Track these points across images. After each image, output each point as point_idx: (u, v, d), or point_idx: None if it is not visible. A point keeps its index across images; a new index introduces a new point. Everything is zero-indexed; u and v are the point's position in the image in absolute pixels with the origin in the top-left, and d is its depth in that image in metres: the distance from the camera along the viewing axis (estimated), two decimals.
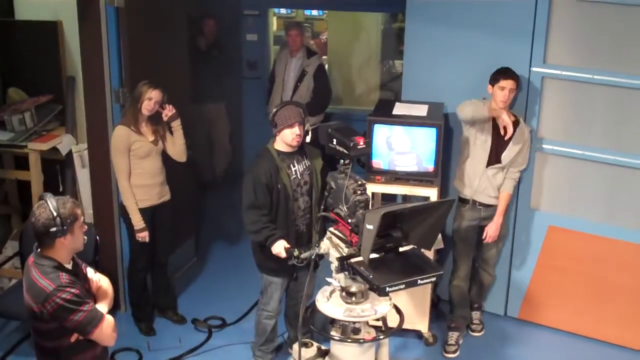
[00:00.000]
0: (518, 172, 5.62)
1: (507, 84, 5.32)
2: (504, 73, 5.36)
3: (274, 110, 4.92)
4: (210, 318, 6.19)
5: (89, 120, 5.92)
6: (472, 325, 6.06)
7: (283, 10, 10.18)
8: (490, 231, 5.64)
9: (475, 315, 6.10)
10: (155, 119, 5.56)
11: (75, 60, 6.19)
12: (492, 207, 5.61)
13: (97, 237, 5.53)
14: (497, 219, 5.63)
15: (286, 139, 4.91)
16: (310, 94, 7.68)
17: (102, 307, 3.80)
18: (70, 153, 6.24)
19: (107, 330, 3.70)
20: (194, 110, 7.91)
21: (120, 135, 5.45)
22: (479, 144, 5.49)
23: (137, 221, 5.58)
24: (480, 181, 5.53)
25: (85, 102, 5.91)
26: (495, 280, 6.09)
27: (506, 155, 5.47)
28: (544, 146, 5.74)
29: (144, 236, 5.61)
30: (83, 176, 6.27)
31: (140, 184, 5.56)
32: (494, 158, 5.49)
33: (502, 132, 5.38)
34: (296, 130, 4.88)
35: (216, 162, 8.86)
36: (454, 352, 5.82)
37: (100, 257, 5.59)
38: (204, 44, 8.21)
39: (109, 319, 3.72)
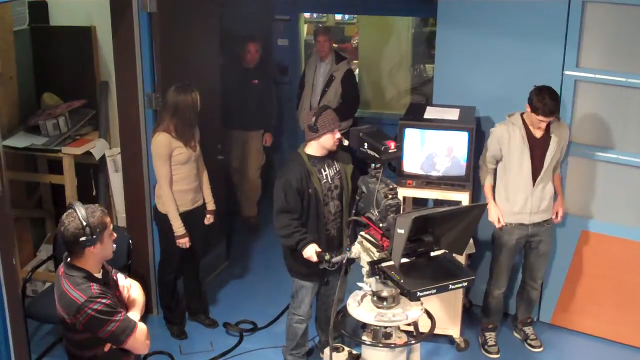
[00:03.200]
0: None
1: (547, 119, 5.20)
2: (543, 110, 5.12)
3: (314, 116, 4.91)
4: (242, 322, 6.21)
5: (122, 125, 5.97)
6: (531, 342, 5.91)
7: (308, 15, 10.14)
8: (560, 212, 5.63)
9: (530, 330, 5.98)
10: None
11: (109, 65, 6.26)
12: (539, 224, 5.53)
13: (130, 241, 5.57)
14: (560, 198, 5.64)
15: (327, 143, 4.93)
16: (339, 100, 7.64)
17: (134, 314, 3.79)
18: (103, 157, 6.30)
19: (140, 339, 3.69)
20: (226, 133, 7.55)
21: (162, 141, 5.46)
22: (516, 166, 5.40)
23: (178, 227, 5.59)
24: (532, 202, 5.43)
25: (118, 106, 5.97)
26: None
27: (549, 155, 5.37)
28: (576, 150, 5.69)
29: (184, 242, 5.63)
30: (116, 180, 6.32)
31: (178, 189, 5.59)
32: (539, 170, 5.39)
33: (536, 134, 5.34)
34: (337, 134, 4.92)
35: (243, 201, 8.12)
36: (497, 352, 5.79)
37: (133, 260, 5.63)
38: (244, 68, 7.67)
39: (141, 327, 3.71)
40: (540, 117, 5.18)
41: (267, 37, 8.63)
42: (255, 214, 8.11)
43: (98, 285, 3.61)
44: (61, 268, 3.69)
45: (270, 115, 8.11)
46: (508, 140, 5.37)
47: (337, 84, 7.62)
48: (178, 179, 5.57)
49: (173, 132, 5.46)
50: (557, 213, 5.62)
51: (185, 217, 5.65)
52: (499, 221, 5.54)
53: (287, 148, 8.60)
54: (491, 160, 5.55)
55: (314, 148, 4.98)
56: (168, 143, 5.45)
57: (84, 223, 3.53)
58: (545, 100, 5.14)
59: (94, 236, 3.56)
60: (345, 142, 4.96)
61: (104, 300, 3.55)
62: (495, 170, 5.58)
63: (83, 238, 3.54)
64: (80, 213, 3.55)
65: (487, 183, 5.63)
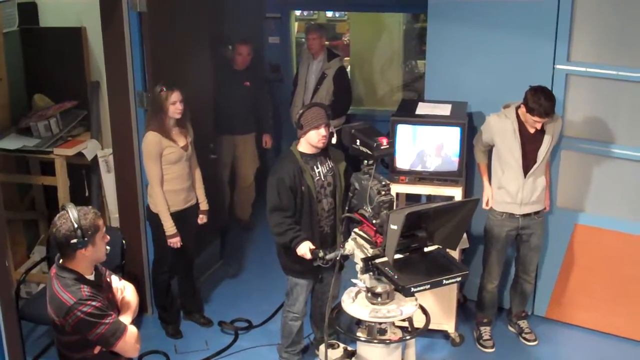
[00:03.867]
0: None
1: (542, 120, 5.19)
2: (538, 112, 5.11)
3: (300, 112, 4.93)
4: (237, 320, 6.21)
5: (114, 125, 5.96)
6: (526, 335, 5.92)
7: (299, 12, 10.12)
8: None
9: (524, 324, 5.99)
10: (181, 121, 5.58)
11: (99, 65, 6.24)
12: (530, 216, 5.53)
13: (124, 241, 5.57)
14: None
15: (312, 140, 4.92)
16: (331, 97, 7.61)
17: (126, 318, 3.78)
18: (95, 158, 6.29)
19: (130, 342, 3.67)
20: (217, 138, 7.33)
21: (152, 141, 5.45)
22: (507, 158, 5.40)
23: (169, 227, 5.59)
24: (524, 193, 5.42)
25: (109, 106, 5.96)
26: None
27: (542, 151, 5.36)
28: (569, 144, 5.70)
29: (175, 242, 5.63)
30: (109, 181, 6.31)
31: (170, 189, 5.58)
32: (531, 163, 5.39)
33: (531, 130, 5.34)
34: (322, 131, 4.88)
35: (237, 205, 8.06)
36: (492, 346, 5.80)
37: (127, 261, 5.63)
38: (234, 71, 7.51)
39: (132, 331, 3.70)
40: (536, 118, 5.18)
41: (257, 36, 8.62)
42: (248, 217, 8.10)
43: (89, 288, 3.60)
44: (53, 269, 3.68)
45: (267, 116, 7.99)
46: (500, 132, 5.38)
47: (329, 82, 7.60)
48: (170, 179, 5.56)
49: (162, 131, 5.46)
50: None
51: (178, 216, 5.64)
52: (487, 203, 5.59)
53: (284, 148, 8.54)
54: (484, 144, 5.62)
55: (304, 145, 4.98)
56: (158, 142, 5.43)
57: (76, 225, 3.52)
58: (541, 102, 5.12)
59: (86, 239, 3.55)
60: (334, 140, 4.96)
61: (93, 303, 3.54)
62: (490, 152, 5.62)
63: (74, 240, 3.52)
64: (72, 215, 3.54)
65: (481, 162, 5.71)
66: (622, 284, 5.76)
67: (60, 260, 3.65)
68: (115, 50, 5.69)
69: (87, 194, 6.46)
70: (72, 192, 6.23)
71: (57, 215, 3.61)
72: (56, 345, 3.81)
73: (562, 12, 5.47)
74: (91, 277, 3.68)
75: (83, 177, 6.51)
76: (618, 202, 5.68)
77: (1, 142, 6.12)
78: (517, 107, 5.36)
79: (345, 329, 4.68)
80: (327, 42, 8.13)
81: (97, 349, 3.66)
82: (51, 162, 6.14)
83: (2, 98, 6.30)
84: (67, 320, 3.53)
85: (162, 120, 5.46)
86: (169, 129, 5.50)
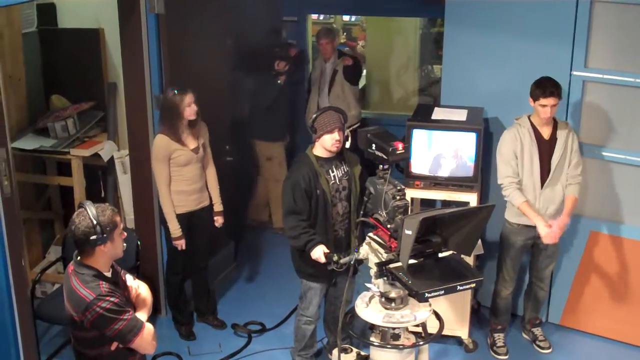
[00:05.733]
0: (579, 175, 5.38)
1: (549, 101, 5.17)
2: (543, 92, 5.15)
3: (314, 116, 4.93)
4: (250, 323, 6.21)
5: (130, 127, 5.98)
6: (540, 343, 5.89)
7: (315, 16, 10.12)
8: (554, 234, 5.31)
9: (538, 331, 5.95)
10: (193, 123, 5.57)
11: (117, 66, 6.27)
12: None
13: (139, 242, 5.58)
14: (563, 219, 5.34)
15: (326, 144, 4.92)
16: (343, 82, 7.67)
17: (142, 315, 3.80)
18: (112, 159, 6.32)
19: (147, 339, 3.70)
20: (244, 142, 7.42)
21: (160, 144, 5.48)
22: (527, 168, 5.35)
23: (174, 229, 5.61)
24: (539, 205, 5.36)
25: (126, 108, 5.98)
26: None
27: (555, 158, 5.33)
28: (585, 150, 5.66)
29: (180, 244, 5.64)
30: (124, 182, 6.34)
31: (179, 189, 5.59)
32: (546, 175, 5.35)
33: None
34: (336, 135, 4.89)
35: (251, 210, 8.17)
36: (506, 353, 5.78)
37: (141, 262, 5.64)
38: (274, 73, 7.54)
39: (149, 327, 3.72)
40: (543, 101, 5.17)
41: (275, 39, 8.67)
42: (268, 216, 8.18)
43: (107, 284, 3.62)
44: (70, 266, 3.71)
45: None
46: (519, 143, 5.34)
47: (341, 75, 7.68)
48: (179, 180, 5.58)
49: (171, 134, 5.48)
50: (547, 234, 5.34)
51: (189, 217, 5.67)
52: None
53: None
54: (513, 174, 5.37)
55: (319, 149, 4.99)
56: (166, 145, 5.46)
57: (95, 222, 3.55)
58: (544, 84, 5.17)
59: (105, 235, 3.58)
60: (347, 145, 4.96)
61: (112, 299, 3.57)
62: (520, 182, 5.40)
63: (94, 237, 3.55)
64: (90, 212, 3.57)
65: (522, 200, 5.32)
66: (638, 292, 5.73)
67: (79, 257, 3.68)
68: (133, 52, 5.72)
69: (102, 194, 6.49)
70: (88, 193, 6.26)
71: (75, 212, 3.64)
72: (72, 342, 3.83)
73: (579, 18, 5.45)
74: (108, 274, 3.71)
75: (99, 178, 6.54)
76: (634, 209, 5.65)
77: (18, 142, 6.16)
78: (529, 116, 5.35)
79: (359, 333, 4.67)
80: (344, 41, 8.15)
81: (113, 346, 3.68)
82: (68, 163, 6.18)
83: (20, 98, 6.34)
84: (86, 316, 3.55)
85: (173, 123, 5.47)
86: (180, 132, 5.51)
